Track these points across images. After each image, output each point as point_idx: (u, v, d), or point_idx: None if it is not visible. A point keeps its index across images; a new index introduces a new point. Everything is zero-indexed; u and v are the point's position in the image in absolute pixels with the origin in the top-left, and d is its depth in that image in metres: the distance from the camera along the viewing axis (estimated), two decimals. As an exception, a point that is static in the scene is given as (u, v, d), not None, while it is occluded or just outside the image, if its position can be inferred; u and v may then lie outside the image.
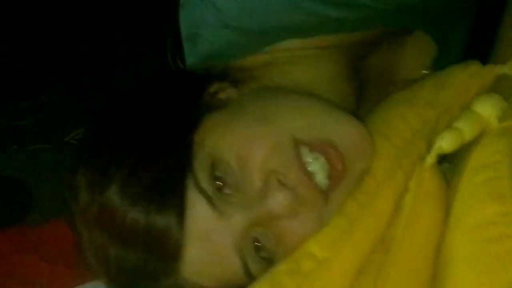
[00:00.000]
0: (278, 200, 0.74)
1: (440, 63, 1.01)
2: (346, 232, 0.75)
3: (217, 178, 0.76)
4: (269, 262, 0.77)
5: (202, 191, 0.75)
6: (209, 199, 0.75)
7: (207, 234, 0.75)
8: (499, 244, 0.64)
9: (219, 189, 0.76)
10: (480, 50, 0.97)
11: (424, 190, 0.75)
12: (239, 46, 0.89)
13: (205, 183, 0.75)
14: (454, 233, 0.70)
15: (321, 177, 0.77)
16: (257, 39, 0.88)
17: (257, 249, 0.77)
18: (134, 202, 0.74)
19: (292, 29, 0.87)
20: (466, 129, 0.77)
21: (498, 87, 0.85)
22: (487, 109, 0.78)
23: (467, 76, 0.86)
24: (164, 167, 0.76)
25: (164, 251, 0.75)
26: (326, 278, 0.73)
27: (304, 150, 0.77)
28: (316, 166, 0.77)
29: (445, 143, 0.76)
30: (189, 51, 0.94)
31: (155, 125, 0.81)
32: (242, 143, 0.77)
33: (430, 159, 0.76)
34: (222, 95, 0.85)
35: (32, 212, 1.34)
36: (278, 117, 0.79)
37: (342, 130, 0.79)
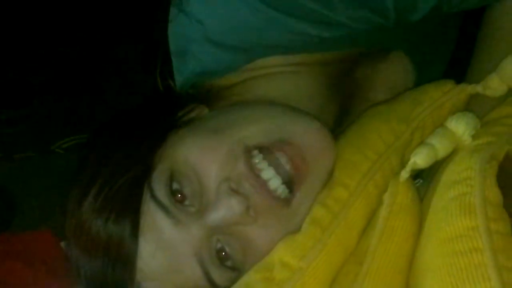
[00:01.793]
0: (229, 207, 0.76)
1: (420, 82, 1.03)
2: (319, 241, 0.76)
3: (175, 191, 0.78)
4: (236, 271, 0.79)
5: (158, 202, 0.77)
6: (166, 210, 0.77)
7: (166, 243, 0.77)
8: (468, 258, 0.66)
9: (180, 201, 0.78)
10: (463, 68, 0.99)
11: (398, 204, 0.77)
12: (224, 62, 0.91)
13: (161, 194, 0.78)
14: (427, 246, 0.72)
15: (276, 183, 0.79)
16: (241, 55, 0.90)
17: (223, 259, 0.79)
18: (97, 214, 0.78)
19: (275, 47, 0.89)
20: (439, 145, 0.79)
21: (472, 106, 0.88)
22: (461, 127, 0.80)
23: (441, 93, 0.88)
24: (125, 181, 0.79)
25: (121, 260, 0.77)
26: (300, 287, 0.74)
27: (258, 158, 0.79)
28: (269, 172, 0.79)
29: (419, 159, 0.78)
30: (177, 68, 0.95)
31: (126, 141, 0.85)
32: (197, 155, 0.79)
33: (405, 173, 0.78)
34: (193, 114, 0.88)
35: (17, 220, 1.34)
36: (230, 127, 0.82)
37: (299, 128, 0.82)
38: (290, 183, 0.80)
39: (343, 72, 0.96)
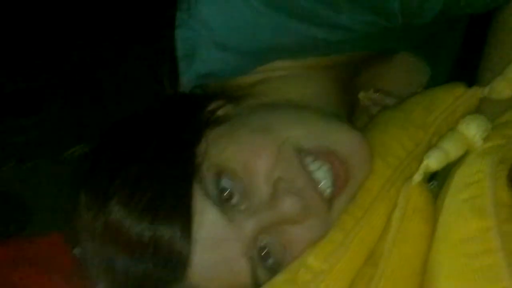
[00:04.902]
0: (288, 205, 0.76)
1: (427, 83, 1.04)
2: (342, 245, 0.77)
3: (223, 189, 0.77)
4: (274, 271, 0.78)
5: (211, 199, 0.76)
6: (219, 206, 0.76)
7: (217, 241, 0.76)
8: (481, 259, 0.67)
9: (227, 199, 0.77)
10: (468, 68, 0.99)
11: (412, 206, 0.78)
12: (232, 66, 0.91)
13: (213, 191, 0.77)
14: (439, 248, 0.73)
15: (326, 184, 0.79)
16: (249, 59, 0.90)
17: (264, 258, 0.78)
18: (138, 216, 0.76)
19: (282, 50, 0.89)
20: (451, 148, 0.79)
21: (483, 108, 0.88)
22: (472, 130, 0.80)
23: (453, 98, 0.88)
24: (168, 179, 0.77)
25: (171, 261, 0.76)
26: (322, 289, 0.75)
27: (308, 159, 0.79)
28: (322, 173, 0.79)
29: (431, 162, 0.78)
30: (184, 71, 0.95)
31: (154, 140, 0.83)
32: (246, 153, 0.79)
33: (418, 176, 0.78)
34: (220, 112, 0.87)
35: (30, 226, 1.35)
36: (278, 126, 0.81)
37: (342, 137, 0.82)
38: (334, 187, 0.80)
39: (351, 75, 0.96)
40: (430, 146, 0.84)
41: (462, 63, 1.08)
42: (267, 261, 0.79)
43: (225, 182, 0.78)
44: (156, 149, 0.82)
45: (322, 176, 0.79)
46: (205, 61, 0.92)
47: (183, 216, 0.76)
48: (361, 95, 1.01)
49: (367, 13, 0.84)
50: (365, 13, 0.84)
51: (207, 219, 0.76)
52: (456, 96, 0.89)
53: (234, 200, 0.78)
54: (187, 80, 0.95)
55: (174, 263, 0.76)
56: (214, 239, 0.76)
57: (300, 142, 0.80)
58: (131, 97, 1.51)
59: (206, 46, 0.90)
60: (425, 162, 0.79)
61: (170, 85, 0.97)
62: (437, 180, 0.85)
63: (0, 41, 1.66)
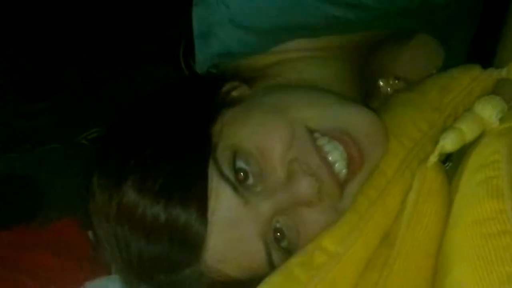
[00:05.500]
0: (305, 186, 0.76)
1: (444, 64, 1.03)
2: (357, 227, 0.76)
3: (239, 169, 0.77)
4: (288, 253, 0.78)
5: (226, 180, 0.76)
6: (235, 187, 0.76)
7: (233, 222, 0.76)
8: (497, 240, 0.66)
9: (242, 180, 0.76)
10: (485, 51, 0.99)
11: (427, 188, 0.77)
12: (249, 45, 0.91)
13: (228, 172, 0.76)
14: (455, 229, 0.73)
15: (340, 166, 0.78)
16: (266, 38, 0.90)
17: (279, 239, 0.78)
18: (153, 198, 0.75)
19: (300, 29, 0.89)
20: (467, 129, 0.78)
21: (499, 89, 0.87)
22: (488, 111, 0.79)
23: (469, 80, 0.88)
24: (183, 160, 0.77)
25: (187, 242, 0.75)
26: (337, 271, 0.75)
27: (323, 140, 0.79)
28: (336, 155, 0.78)
29: (447, 143, 0.78)
30: (200, 49, 0.95)
31: (169, 121, 0.83)
32: (260, 134, 0.78)
33: (433, 157, 0.78)
34: (235, 93, 0.87)
35: (44, 210, 1.36)
36: (291, 108, 0.80)
37: (355, 119, 0.81)
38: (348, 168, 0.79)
39: (368, 55, 0.96)
40: (445, 128, 0.83)
41: (478, 45, 1.07)
42: (281, 243, 0.78)
43: (240, 163, 0.77)
44: (171, 130, 0.81)
45: (337, 157, 0.79)
46: (221, 40, 0.92)
47: (198, 197, 0.75)
48: (381, 82, 1.00)
49: None
50: None
51: (222, 201, 0.76)
52: (472, 78, 0.88)
53: (250, 181, 0.77)
54: (203, 59, 0.95)
55: (190, 245, 0.76)
56: (229, 221, 0.76)
57: (313, 123, 0.80)
58: (146, 80, 1.51)
59: (223, 25, 0.90)
60: (440, 143, 0.78)
61: (185, 65, 0.97)
62: (452, 161, 0.84)
63: (15, 26, 1.66)
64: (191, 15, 0.94)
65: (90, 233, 1.06)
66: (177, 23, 0.99)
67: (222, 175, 0.76)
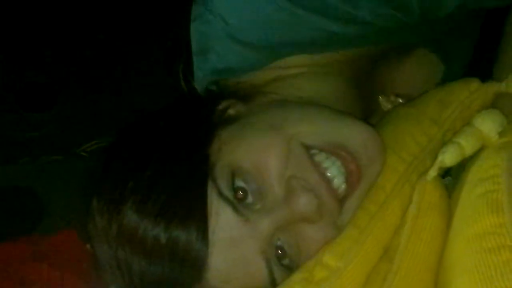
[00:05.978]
0: (304, 202, 0.75)
1: (444, 78, 1.04)
2: (357, 242, 0.76)
3: (237, 188, 0.77)
4: (289, 270, 0.78)
5: (226, 199, 0.76)
6: (234, 206, 0.76)
7: (234, 241, 0.76)
8: (496, 254, 0.66)
9: (241, 199, 0.76)
10: (483, 65, 0.99)
11: (427, 202, 0.77)
12: (248, 60, 0.91)
13: (227, 191, 0.76)
14: (455, 243, 0.73)
15: (339, 181, 0.78)
16: (265, 53, 0.90)
17: (280, 257, 0.78)
18: (153, 219, 0.75)
19: (299, 45, 0.89)
20: (466, 144, 0.79)
21: (498, 103, 0.87)
22: (487, 125, 0.80)
23: (468, 93, 0.88)
24: (182, 181, 0.77)
25: (189, 262, 0.75)
26: (338, 286, 0.74)
27: (321, 156, 0.79)
28: (334, 170, 0.78)
29: (447, 157, 0.78)
30: (198, 66, 0.95)
31: (167, 142, 0.83)
32: (256, 152, 0.78)
33: (432, 172, 0.78)
34: (231, 111, 0.87)
35: (43, 222, 1.36)
36: (286, 124, 0.80)
37: (352, 133, 0.81)
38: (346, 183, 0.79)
39: (368, 70, 0.96)
40: (444, 142, 0.84)
41: (477, 59, 1.07)
42: (283, 260, 0.78)
43: (238, 182, 0.77)
44: (169, 151, 0.81)
45: (335, 173, 0.79)
46: (220, 56, 0.91)
47: (198, 218, 0.75)
48: (381, 99, 1.00)
49: (386, 7, 0.84)
50: (383, 7, 0.84)
51: (222, 220, 0.76)
52: (471, 91, 0.88)
53: (249, 200, 0.77)
54: (202, 75, 0.95)
55: (191, 265, 0.76)
56: (230, 240, 0.76)
57: (310, 139, 0.80)
58: (146, 93, 1.51)
59: (222, 41, 0.90)
60: (440, 158, 0.78)
61: (184, 82, 0.97)
62: (451, 175, 0.85)
63: (16, 36, 1.67)
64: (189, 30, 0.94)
65: (89, 246, 1.06)
66: (178, 31, 0.98)
67: (221, 194, 0.76)
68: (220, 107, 0.87)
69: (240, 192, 0.77)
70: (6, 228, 1.32)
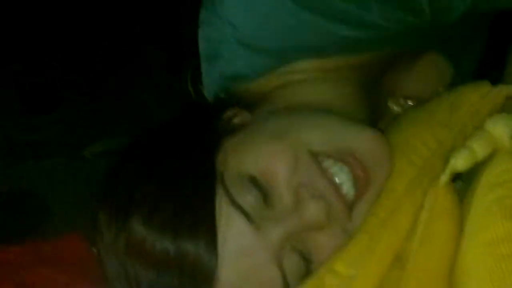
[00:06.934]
0: (313, 209, 0.75)
1: (453, 82, 1.03)
2: (368, 249, 0.76)
3: (246, 198, 0.76)
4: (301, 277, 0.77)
5: (238, 207, 0.75)
6: (246, 215, 0.75)
7: (245, 250, 0.75)
8: (510, 261, 0.65)
9: (251, 208, 0.76)
10: (493, 67, 0.98)
11: (439, 207, 0.76)
12: (257, 65, 0.90)
13: (241, 199, 0.76)
14: (468, 249, 0.72)
15: (348, 187, 0.78)
16: (274, 58, 0.89)
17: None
18: (161, 232, 0.75)
19: (309, 49, 0.88)
20: (478, 148, 0.78)
21: (509, 106, 0.87)
22: (499, 129, 0.79)
23: (478, 97, 0.87)
24: (189, 192, 0.77)
25: (197, 275, 0.75)
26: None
27: (328, 162, 0.78)
28: (342, 176, 0.78)
29: (459, 162, 0.77)
30: (207, 72, 0.95)
31: (172, 153, 0.82)
32: (264, 161, 0.78)
33: (444, 177, 0.77)
34: (236, 120, 0.87)
35: (48, 225, 1.35)
36: (292, 132, 0.80)
37: (359, 139, 0.81)
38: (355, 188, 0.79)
39: (377, 74, 0.95)
40: (454, 145, 0.83)
41: (487, 62, 1.06)
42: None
43: (247, 191, 0.77)
44: (174, 162, 0.81)
45: (343, 179, 0.78)
46: (228, 61, 0.91)
47: (207, 229, 0.75)
48: (391, 103, 1.00)
49: (396, 10, 0.83)
50: (394, 10, 0.83)
51: (233, 230, 0.75)
52: (481, 95, 0.87)
53: (258, 209, 0.77)
54: (210, 82, 0.94)
55: (201, 277, 0.75)
56: (241, 249, 0.75)
57: (316, 145, 0.79)
58: (149, 95, 1.51)
59: (230, 46, 0.89)
60: (452, 162, 0.77)
61: (193, 89, 0.96)
62: (462, 180, 0.84)
63: (20, 40, 1.67)
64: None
65: (95, 249, 1.06)
66: (185, 35, 0.98)
67: (234, 203, 0.76)
68: (225, 116, 0.87)
69: (249, 201, 0.76)
70: (10, 231, 1.31)
